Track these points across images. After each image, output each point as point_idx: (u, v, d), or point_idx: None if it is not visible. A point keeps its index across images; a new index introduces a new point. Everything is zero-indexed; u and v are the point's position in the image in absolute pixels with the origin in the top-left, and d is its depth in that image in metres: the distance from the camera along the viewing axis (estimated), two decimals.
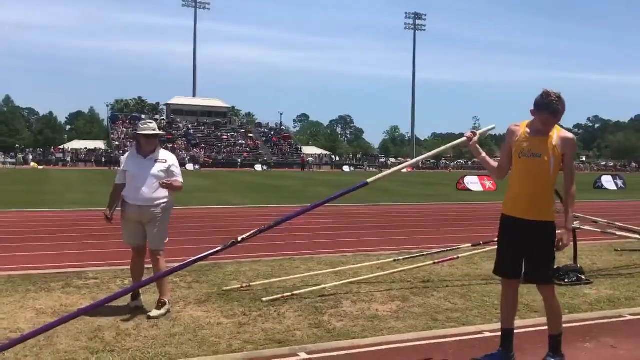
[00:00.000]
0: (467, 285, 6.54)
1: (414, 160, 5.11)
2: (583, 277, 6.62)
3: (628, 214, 15.55)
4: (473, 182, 26.09)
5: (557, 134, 3.91)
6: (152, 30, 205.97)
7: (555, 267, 7.04)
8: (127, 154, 5.64)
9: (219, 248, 4.12)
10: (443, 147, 4.88)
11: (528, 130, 3.97)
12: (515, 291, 4.20)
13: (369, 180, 4.36)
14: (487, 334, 4.76)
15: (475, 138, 4.19)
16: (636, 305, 5.74)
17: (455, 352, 4.34)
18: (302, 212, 4.37)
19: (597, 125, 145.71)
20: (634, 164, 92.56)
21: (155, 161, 5.35)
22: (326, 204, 4.40)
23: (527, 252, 4.00)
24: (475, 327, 4.95)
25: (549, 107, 3.80)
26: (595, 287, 6.54)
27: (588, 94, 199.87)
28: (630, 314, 5.45)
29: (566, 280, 6.60)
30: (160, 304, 5.26)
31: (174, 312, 5.28)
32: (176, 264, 4.44)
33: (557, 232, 3.98)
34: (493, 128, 4.86)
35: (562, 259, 7.96)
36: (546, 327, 4.11)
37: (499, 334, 4.71)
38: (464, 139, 4.23)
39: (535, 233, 3.95)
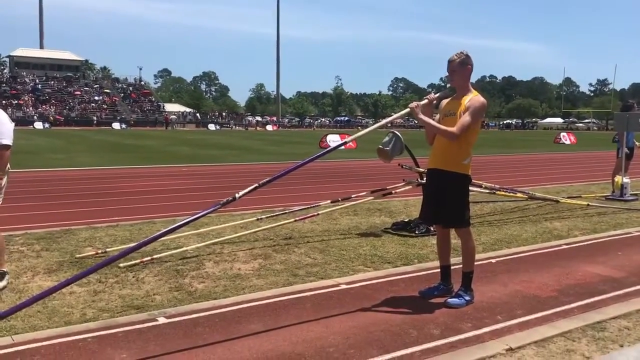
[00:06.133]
0: (326, 240, 6.79)
1: (378, 124, 5.59)
2: (432, 228, 7.12)
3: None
4: (335, 141, 26.87)
5: (471, 96, 4.49)
6: None
7: (407, 220, 7.56)
8: None
9: (214, 207, 4.06)
10: (394, 116, 5.42)
11: (451, 97, 4.68)
12: (444, 234, 4.75)
13: (349, 138, 4.96)
14: (343, 286, 4.99)
15: (417, 109, 4.72)
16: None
17: (313, 305, 4.50)
18: (296, 168, 4.80)
19: None
20: None
21: None
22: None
23: (442, 199, 4.51)
24: (333, 281, 5.16)
25: None
26: None
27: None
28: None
29: (417, 232, 7.08)
30: None
31: (20, 283, 4.92)
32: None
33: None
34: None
35: (414, 212, 8.55)
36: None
37: (354, 285, 4.99)
38: (407, 110, 4.74)
39: (447, 182, 4.47)
